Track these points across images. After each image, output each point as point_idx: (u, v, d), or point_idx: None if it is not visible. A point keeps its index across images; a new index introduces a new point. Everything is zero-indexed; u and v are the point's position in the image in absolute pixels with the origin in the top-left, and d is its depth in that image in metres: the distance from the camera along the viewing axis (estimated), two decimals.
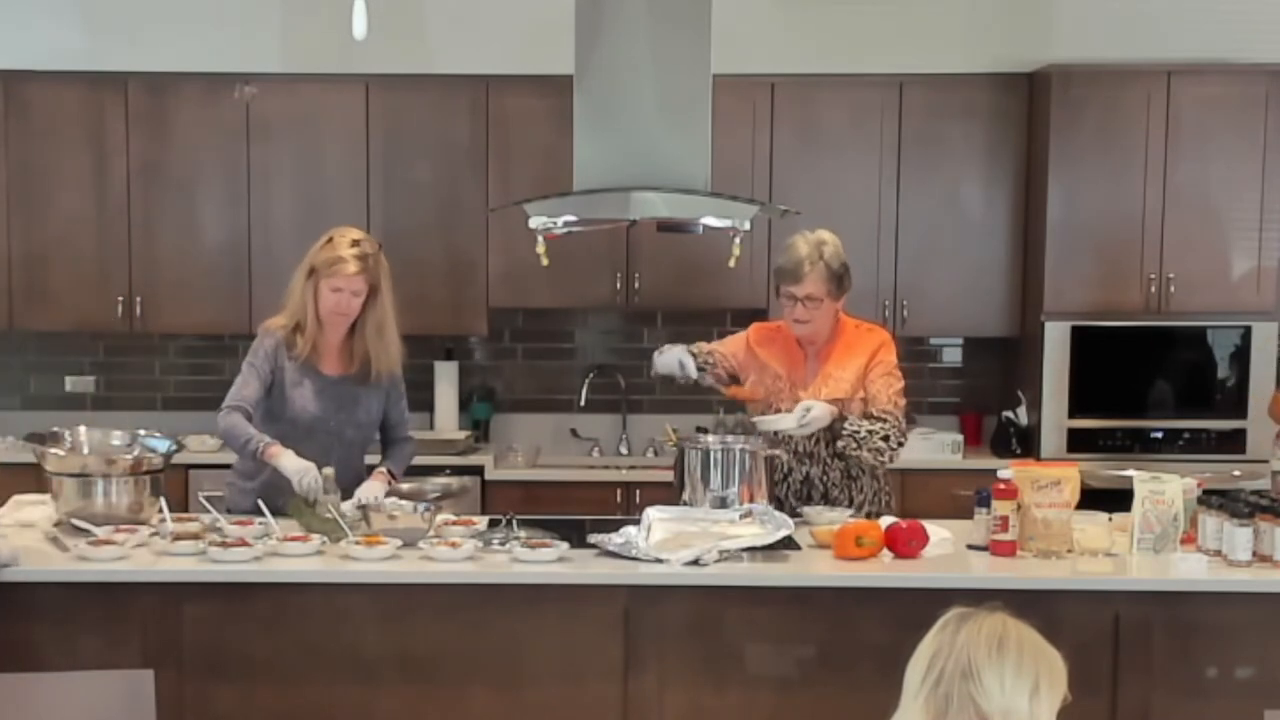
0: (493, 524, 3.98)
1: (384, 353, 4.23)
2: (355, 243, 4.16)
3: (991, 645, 2.06)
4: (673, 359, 4.28)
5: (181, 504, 4.84)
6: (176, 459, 4.23)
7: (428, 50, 6.01)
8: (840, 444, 4.15)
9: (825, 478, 4.27)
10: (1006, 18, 6.03)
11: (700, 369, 4.31)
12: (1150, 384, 5.83)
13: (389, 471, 4.27)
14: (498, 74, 5.89)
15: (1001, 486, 3.72)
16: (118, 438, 4.20)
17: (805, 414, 4.08)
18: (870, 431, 4.14)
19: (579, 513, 4.65)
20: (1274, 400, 5.21)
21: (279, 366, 4.19)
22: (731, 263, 4.27)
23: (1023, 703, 2.04)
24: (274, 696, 3.60)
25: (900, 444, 4.20)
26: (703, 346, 4.41)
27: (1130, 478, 3.85)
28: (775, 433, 4.18)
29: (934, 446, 5.83)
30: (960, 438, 5.95)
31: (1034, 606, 2.43)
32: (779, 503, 4.18)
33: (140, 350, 6.28)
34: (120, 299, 5.92)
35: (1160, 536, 3.76)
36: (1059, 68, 5.73)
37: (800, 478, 4.28)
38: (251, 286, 5.85)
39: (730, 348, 4.42)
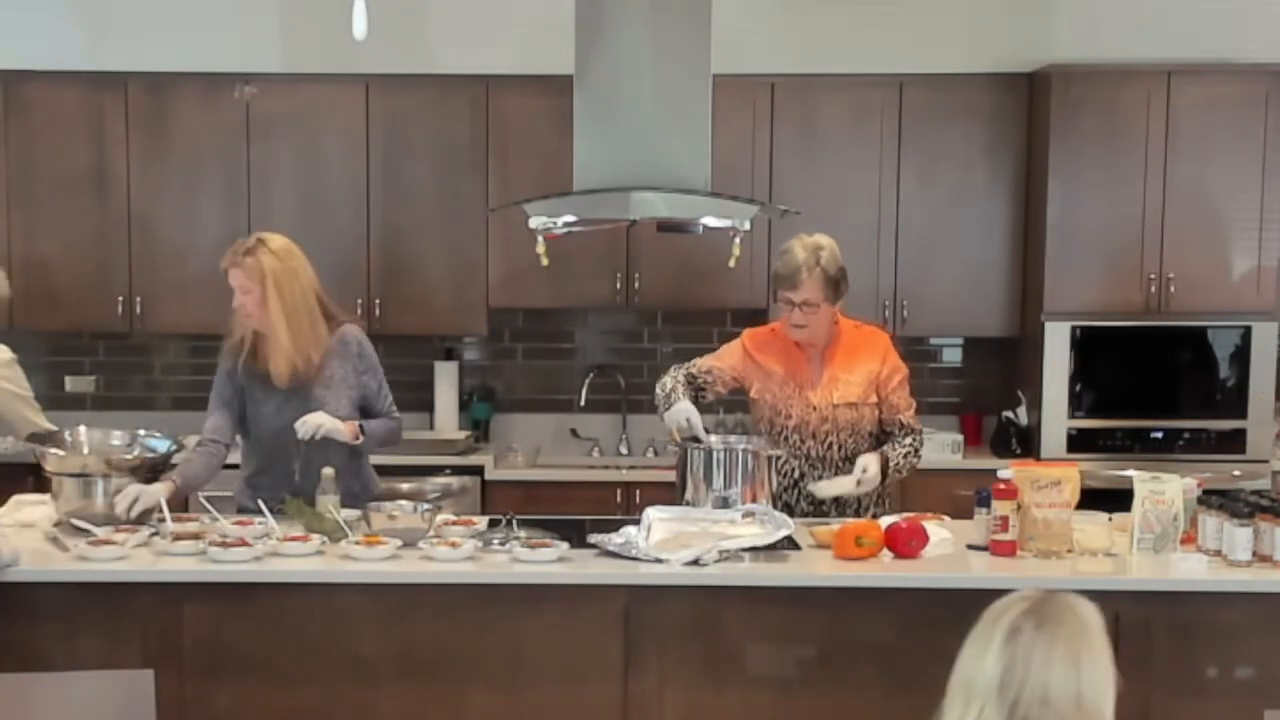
0: (493, 524, 3.98)
1: (275, 354, 4.08)
2: (244, 240, 4.16)
3: (1069, 673, 2.04)
4: (679, 415, 4.15)
5: (181, 504, 4.84)
6: (176, 459, 4.23)
7: (428, 50, 6.01)
8: (887, 481, 4.20)
9: None
10: (1006, 18, 6.03)
11: (702, 388, 4.30)
12: (1151, 384, 5.82)
13: (360, 427, 4.13)
14: (498, 74, 5.88)
15: (1001, 486, 3.72)
16: (118, 438, 4.21)
17: (862, 474, 4.12)
18: (905, 455, 4.23)
19: (579, 513, 4.65)
20: None
21: (240, 385, 4.16)
22: (731, 263, 4.27)
23: (1106, 702, 2.06)
24: (274, 696, 3.60)
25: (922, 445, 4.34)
26: (700, 364, 4.36)
27: (1130, 478, 3.85)
28: (835, 498, 4.19)
29: (934, 446, 5.80)
30: (960, 438, 5.95)
31: None
32: (789, 509, 4.19)
33: (140, 350, 6.28)
34: (120, 299, 5.92)
35: (1160, 536, 3.76)
36: (1059, 68, 5.73)
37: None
38: None
39: (728, 360, 4.37)
